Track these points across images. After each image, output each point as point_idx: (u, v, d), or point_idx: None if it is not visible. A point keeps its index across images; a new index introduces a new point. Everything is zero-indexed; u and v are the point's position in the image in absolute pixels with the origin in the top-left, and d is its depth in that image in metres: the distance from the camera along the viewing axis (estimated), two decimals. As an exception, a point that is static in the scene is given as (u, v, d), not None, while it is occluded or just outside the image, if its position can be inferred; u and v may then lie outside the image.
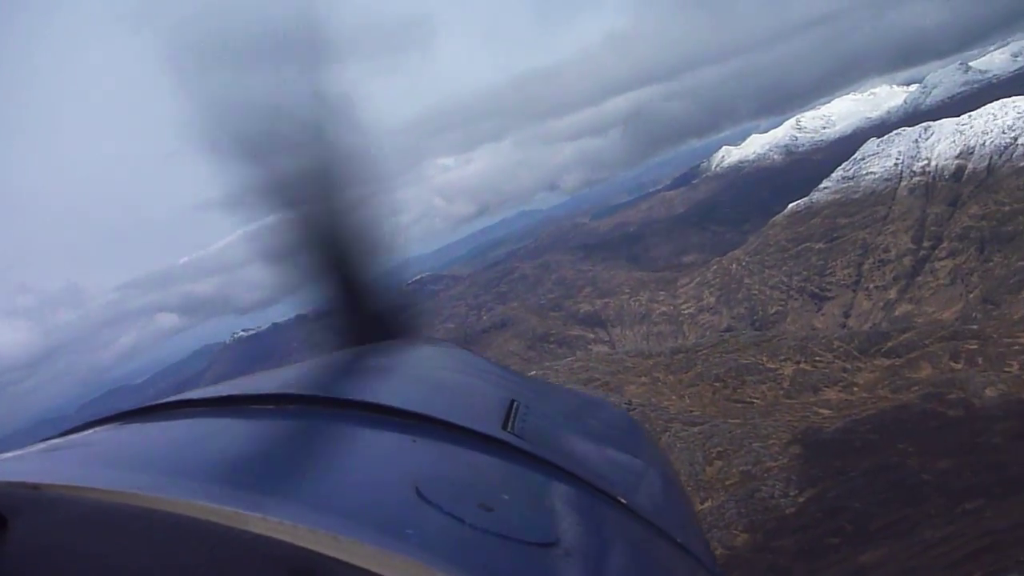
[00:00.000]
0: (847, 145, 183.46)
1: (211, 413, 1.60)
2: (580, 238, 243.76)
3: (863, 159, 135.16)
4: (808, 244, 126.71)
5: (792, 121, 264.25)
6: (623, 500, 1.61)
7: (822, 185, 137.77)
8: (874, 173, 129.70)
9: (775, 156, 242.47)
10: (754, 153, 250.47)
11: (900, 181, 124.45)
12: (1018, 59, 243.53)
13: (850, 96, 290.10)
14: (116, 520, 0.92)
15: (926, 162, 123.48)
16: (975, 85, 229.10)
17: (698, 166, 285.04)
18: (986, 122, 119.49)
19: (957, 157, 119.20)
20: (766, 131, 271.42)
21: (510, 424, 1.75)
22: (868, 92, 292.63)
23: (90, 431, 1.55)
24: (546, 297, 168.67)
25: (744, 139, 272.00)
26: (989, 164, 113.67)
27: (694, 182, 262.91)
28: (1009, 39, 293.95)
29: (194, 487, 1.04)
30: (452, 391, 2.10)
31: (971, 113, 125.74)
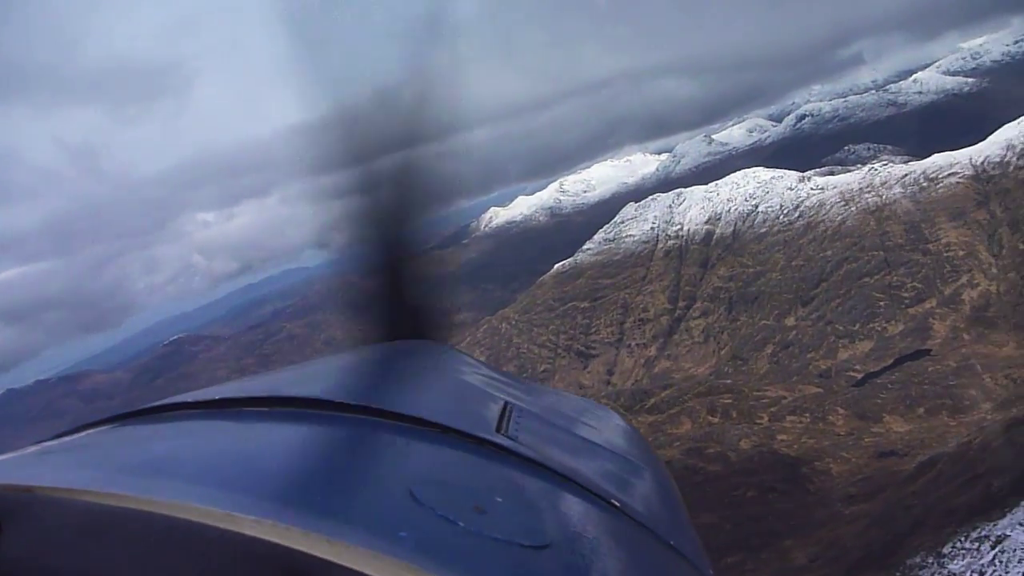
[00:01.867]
0: (606, 208, 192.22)
1: (205, 416, 1.61)
2: (350, 296, 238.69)
3: (623, 222, 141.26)
4: (574, 303, 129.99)
5: (556, 184, 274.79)
6: (616, 503, 1.62)
7: (585, 247, 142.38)
8: (633, 236, 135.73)
9: (541, 217, 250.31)
10: (521, 214, 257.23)
11: (656, 244, 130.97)
12: (753, 134, 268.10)
13: (608, 162, 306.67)
14: (110, 523, 0.92)
15: (679, 226, 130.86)
16: (717, 156, 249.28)
17: (468, 226, 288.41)
18: (731, 190, 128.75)
19: (706, 222, 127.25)
20: (532, 193, 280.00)
21: (504, 427, 1.77)
22: (624, 159, 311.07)
23: (84, 433, 1.56)
24: (314, 359, 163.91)
25: (511, 200, 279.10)
26: (734, 229, 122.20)
27: (464, 241, 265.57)
28: (745, 116, 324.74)
29: (188, 489, 1.04)
30: (446, 393, 2.14)
31: (718, 181, 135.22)
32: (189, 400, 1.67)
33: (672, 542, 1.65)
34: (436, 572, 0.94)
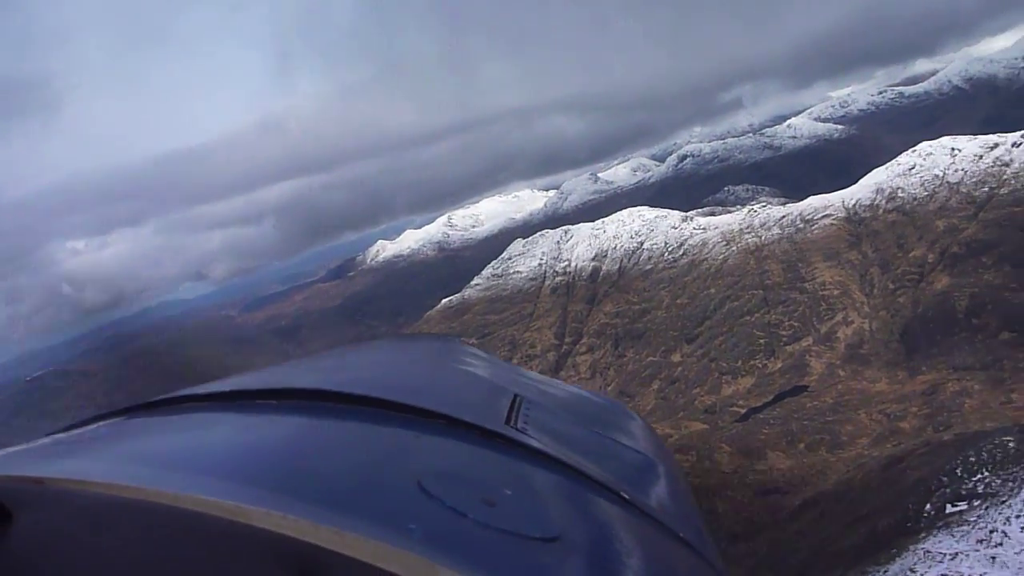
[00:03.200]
0: (495, 243, 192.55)
1: (215, 408, 1.64)
2: (229, 331, 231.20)
3: (510, 258, 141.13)
4: (461, 339, 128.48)
5: (444, 218, 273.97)
6: (626, 495, 1.63)
7: (473, 282, 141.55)
8: (520, 272, 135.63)
9: (428, 252, 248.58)
10: (408, 248, 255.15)
11: (544, 280, 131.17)
12: (637, 173, 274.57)
13: (497, 197, 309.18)
14: (120, 514, 0.93)
15: (567, 263, 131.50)
16: (603, 194, 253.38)
17: (354, 259, 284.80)
18: (617, 228, 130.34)
19: (593, 259, 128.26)
20: (420, 227, 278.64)
21: (513, 419, 1.80)
22: (513, 195, 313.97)
23: (94, 425, 1.59)
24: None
25: (399, 234, 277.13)
26: (620, 266, 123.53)
27: (350, 275, 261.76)
28: (630, 155, 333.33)
29: (198, 481, 1.05)
30: (455, 385, 2.18)
31: (604, 219, 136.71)
32: (198, 392, 1.70)
33: (682, 534, 1.65)
34: (445, 564, 0.94)
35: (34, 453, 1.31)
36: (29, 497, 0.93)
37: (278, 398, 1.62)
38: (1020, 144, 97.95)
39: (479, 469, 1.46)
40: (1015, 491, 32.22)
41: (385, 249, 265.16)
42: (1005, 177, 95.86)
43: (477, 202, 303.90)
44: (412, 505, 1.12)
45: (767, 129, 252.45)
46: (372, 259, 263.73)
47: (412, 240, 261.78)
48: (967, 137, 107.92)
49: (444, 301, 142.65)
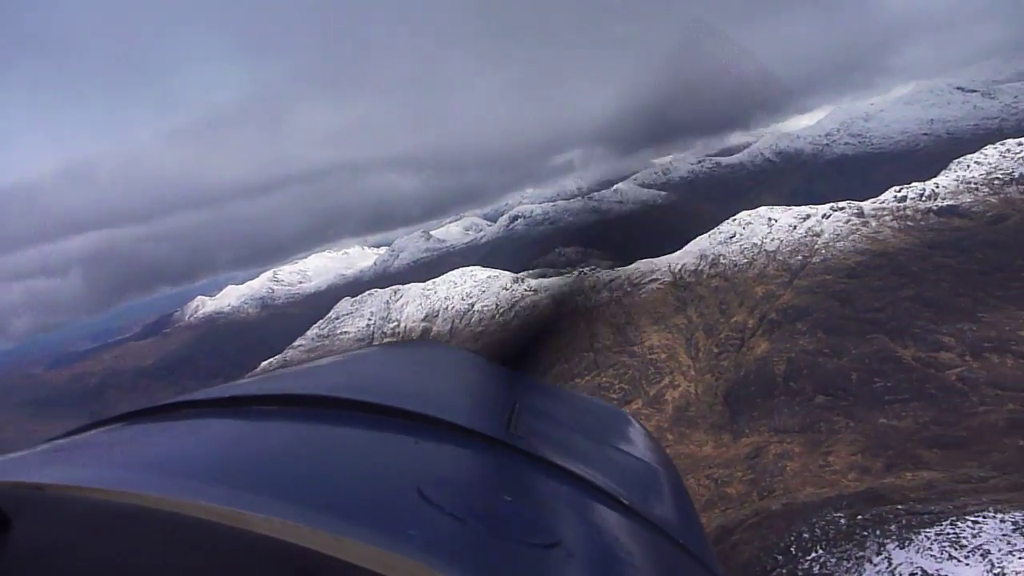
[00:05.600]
0: (322, 300, 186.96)
1: (214, 414, 1.62)
2: (29, 391, 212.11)
3: (338, 318, 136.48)
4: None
5: (269, 273, 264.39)
6: (625, 501, 1.63)
7: (296, 343, 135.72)
8: (348, 332, 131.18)
9: (251, 309, 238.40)
10: (229, 305, 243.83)
11: (373, 341, 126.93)
12: (469, 232, 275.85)
13: (326, 253, 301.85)
14: (119, 520, 0.92)
15: (396, 323, 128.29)
16: (435, 252, 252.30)
17: (170, 315, 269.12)
18: (448, 288, 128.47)
19: (424, 320, 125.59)
20: (243, 282, 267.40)
21: (512, 425, 1.80)
22: (343, 251, 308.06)
23: (93, 431, 1.58)
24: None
25: (220, 289, 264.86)
26: (452, 328, 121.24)
27: (165, 332, 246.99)
28: (462, 214, 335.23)
29: (197, 487, 1.05)
30: (455, 392, 2.19)
31: (436, 279, 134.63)
32: (198, 398, 1.69)
33: (681, 540, 1.66)
34: (445, 570, 0.95)
35: (33, 459, 1.32)
36: (29, 503, 0.94)
37: (277, 404, 1.62)
38: (829, 216, 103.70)
39: (479, 475, 1.47)
40: (852, 572, 31.54)
41: (205, 305, 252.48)
42: (817, 247, 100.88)
43: (305, 258, 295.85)
44: (412, 511, 1.12)
45: (595, 193, 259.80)
46: (190, 316, 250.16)
47: (234, 296, 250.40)
48: (782, 208, 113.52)
49: (264, 363, 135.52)
